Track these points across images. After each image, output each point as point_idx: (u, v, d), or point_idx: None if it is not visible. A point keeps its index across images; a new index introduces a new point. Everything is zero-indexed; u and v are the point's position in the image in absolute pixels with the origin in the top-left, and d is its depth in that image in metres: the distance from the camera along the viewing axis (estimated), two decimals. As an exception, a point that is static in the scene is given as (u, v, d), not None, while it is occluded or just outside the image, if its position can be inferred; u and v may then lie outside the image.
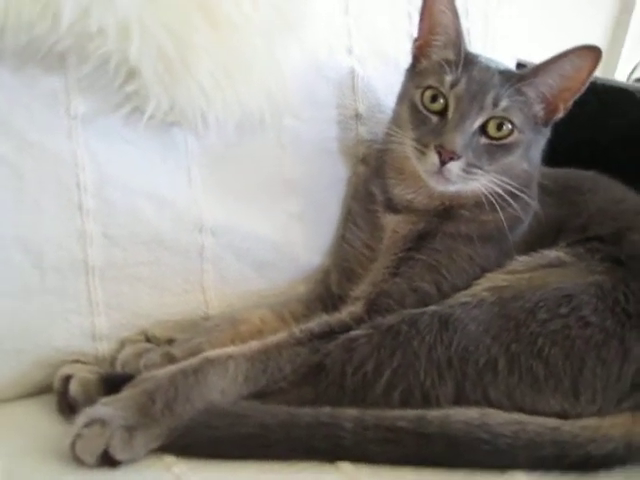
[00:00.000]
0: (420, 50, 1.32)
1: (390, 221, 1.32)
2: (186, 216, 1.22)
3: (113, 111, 1.12)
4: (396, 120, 1.33)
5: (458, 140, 1.17)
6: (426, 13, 1.29)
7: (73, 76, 1.08)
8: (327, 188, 1.45)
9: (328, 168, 1.45)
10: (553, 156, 1.34)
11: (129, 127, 1.14)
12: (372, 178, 1.39)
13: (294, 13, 1.23)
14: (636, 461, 1.07)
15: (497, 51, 1.75)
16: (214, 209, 1.25)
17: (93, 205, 1.11)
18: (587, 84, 1.22)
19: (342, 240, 1.41)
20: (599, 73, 1.21)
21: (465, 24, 1.63)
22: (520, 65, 1.78)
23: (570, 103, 1.25)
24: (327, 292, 1.37)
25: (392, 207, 1.33)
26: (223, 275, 1.28)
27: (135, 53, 1.06)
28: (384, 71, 1.52)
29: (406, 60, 1.37)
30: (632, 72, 3.04)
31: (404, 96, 1.33)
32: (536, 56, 1.70)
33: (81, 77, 1.08)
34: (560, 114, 1.27)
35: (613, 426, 1.07)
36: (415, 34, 1.34)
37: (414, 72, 1.33)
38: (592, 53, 1.19)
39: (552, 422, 1.06)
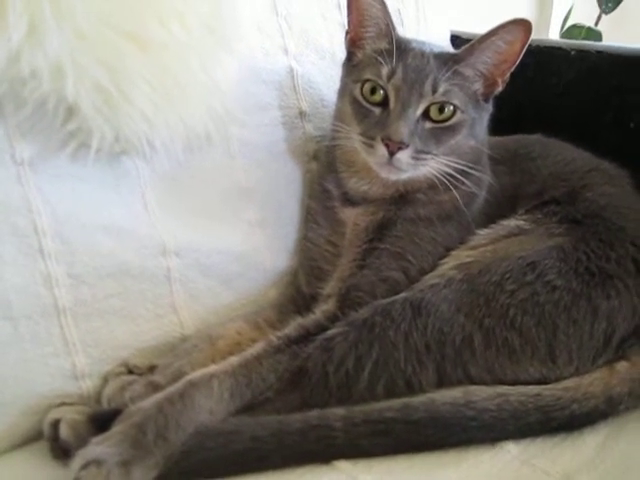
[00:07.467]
0: (353, 43, 1.32)
1: (349, 215, 1.33)
2: (147, 242, 1.21)
3: (59, 150, 1.11)
4: (340, 115, 1.33)
5: (403, 130, 1.18)
6: (353, 6, 1.29)
7: (12, 122, 1.06)
8: (283, 190, 1.46)
9: (281, 170, 1.46)
10: (497, 122, 1.35)
11: (77, 164, 1.13)
12: (325, 174, 1.40)
13: (225, 28, 1.22)
14: (617, 414, 1.11)
15: (430, 27, 1.76)
16: (174, 230, 1.25)
17: (54, 247, 1.10)
18: (521, 55, 1.23)
19: (305, 240, 1.42)
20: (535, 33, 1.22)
21: (396, 4, 1.65)
22: (454, 37, 1.79)
23: (507, 76, 1.27)
24: (298, 293, 1.37)
25: (349, 201, 1.34)
26: (193, 294, 1.27)
27: (71, 91, 1.05)
28: (322, 65, 1.53)
29: (342, 51, 1.37)
30: (565, 20, 3.09)
31: (344, 91, 1.33)
32: (469, 25, 1.72)
33: (20, 122, 1.07)
34: (499, 88, 1.28)
35: (592, 383, 1.11)
36: (346, 24, 1.34)
37: (350, 66, 1.33)
38: (522, 26, 1.20)
39: (534, 389, 1.09)
